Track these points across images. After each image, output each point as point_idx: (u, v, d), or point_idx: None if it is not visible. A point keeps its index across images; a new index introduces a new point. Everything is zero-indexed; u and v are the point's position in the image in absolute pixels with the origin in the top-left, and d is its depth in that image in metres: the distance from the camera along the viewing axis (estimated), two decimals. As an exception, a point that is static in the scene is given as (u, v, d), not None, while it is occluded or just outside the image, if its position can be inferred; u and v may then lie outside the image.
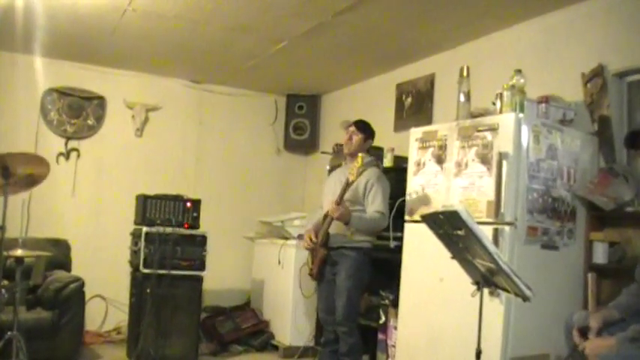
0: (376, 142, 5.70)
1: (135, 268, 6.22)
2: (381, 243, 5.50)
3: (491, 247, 2.51)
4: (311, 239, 5.30)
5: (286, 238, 6.98)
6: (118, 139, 7.77)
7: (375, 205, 5.15)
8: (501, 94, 4.41)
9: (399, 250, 5.11)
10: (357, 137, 5.39)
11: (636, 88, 4.79)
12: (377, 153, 6.01)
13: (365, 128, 5.45)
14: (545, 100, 4.56)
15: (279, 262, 6.93)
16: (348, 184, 5.05)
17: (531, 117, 4.33)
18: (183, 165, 8.09)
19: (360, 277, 5.21)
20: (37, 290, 5.92)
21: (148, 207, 6.23)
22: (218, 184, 8.21)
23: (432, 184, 4.76)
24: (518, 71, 4.43)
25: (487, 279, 2.67)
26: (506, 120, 4.23)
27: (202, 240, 6.28)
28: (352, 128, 5.43)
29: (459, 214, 2.48)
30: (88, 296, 6.30)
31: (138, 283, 6.10)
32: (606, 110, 4.65)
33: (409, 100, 6.79)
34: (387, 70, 7.22)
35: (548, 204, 4.30)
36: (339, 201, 5.06)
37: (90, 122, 7.61)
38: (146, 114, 7.89)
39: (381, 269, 5.53)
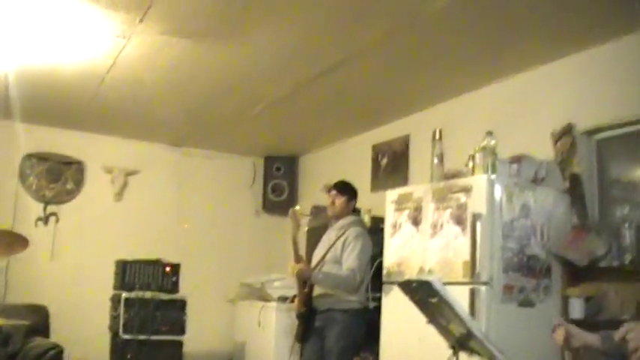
0: (354, 203, 5.76)
1: (115, 334, 6.20)
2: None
3: (464, 315, 2.56)
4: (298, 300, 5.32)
5: (267, 300, 6.97)
6: (97, 203, 7.78)
7: (347, 262, 5.11)
8: (473, 156, 4.50)
9: (377, 310, 5.12)
10: (340, 200, 5.40)
11: (605, 146, 4.89)
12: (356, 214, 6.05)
13: (346, 189, 5.46)
14: (517, 159, 4.66)
15: (259, 324, 6.91)
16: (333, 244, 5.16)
17: (504, 177, 4.41)
18: (163, 228, 8.05)
19: (352, 339, 5.13)
20: (15, 358, 5.86)
21: (127, 272, 6.25)
22: (198, 246, 8.16)
23: (409, 246, 4.79)
24: (490, 133, 4.52)
25: (462, 343, 2.72)
26: (479, 181, 4.31)
27: (182, 304, 6.29)
28: (333, 192, 5.44)
29: (431, 284, 2.53)
30: (67, 363, 6.24)
31: (118, 348, 6.08)
32: (576, 168, 4.74)
33: (385, 160, 6.88)
34: (363, 131, 7.32)
35: (524, 262, 4.34)
36: (298, 258, 5.13)
37: (69, 187, 7.63)
38: (125, 178, 7.92)
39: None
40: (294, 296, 5.48)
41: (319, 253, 5.37)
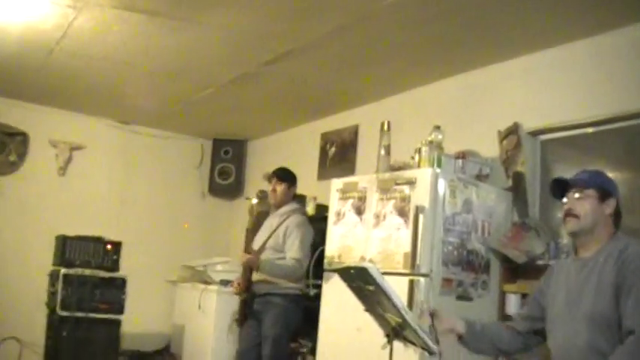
0: (300, 190, 5.78)
1: (52, 311, 6.11)
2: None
3: (399, 303, 2.58)
4: (239, 284, 5.33)
5: (208, 283, 6.95)
6: (40, 177, 7.63)
7: (291, 251, 5.19)
8: (420, 149, 4.55)
9: (318, 297, 5.15)
10: (280, 187, 5.46)
11: (549, 147, 5.00)
12: (299, 201, 6.07)
13: (286, 176, 5.53)
14: (462, 155, 4.71)
15: (200, 307, 6.88)
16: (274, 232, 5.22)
17: (448, 172, 4.47)
18: (107, 206, 7.95)
19: (286, 324, 5.21)
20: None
21: (67, 248, 6.17)
22: (141, 226, 8.09)
23: (351, 235, 4.82)
24: (437, 127, 4.59)
25: (397, 332, 2.74)
26: (424, 174, 4.35)
27: (122, 283, 6.23)
28: (274, 179, 5.51)
29: (368, 271, 2.55)
30: (1, 337, 6.15)
31: (54, 325, 6.00)
32: (520, 167, 4.81)
33: (333, 149, 6.91)
34: (313, 120, 7.35)
35: (463, 256, 4.42)
36: (247, 248, 5.16)
37: (12, 159, 7.47)
38: (70, 153, 7.79)
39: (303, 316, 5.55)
40: (235, 281, 5.47)
41: (260, 239, 5.39)
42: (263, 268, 5.14)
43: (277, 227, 5.30)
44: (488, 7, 4.38)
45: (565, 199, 3.01)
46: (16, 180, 7.50)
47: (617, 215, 2.97)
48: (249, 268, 5.19)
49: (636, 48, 4.36)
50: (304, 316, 5.39)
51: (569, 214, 2.96)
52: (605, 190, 2.95)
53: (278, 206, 5.48)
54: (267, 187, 5.62)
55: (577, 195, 2.96)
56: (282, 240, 5.26)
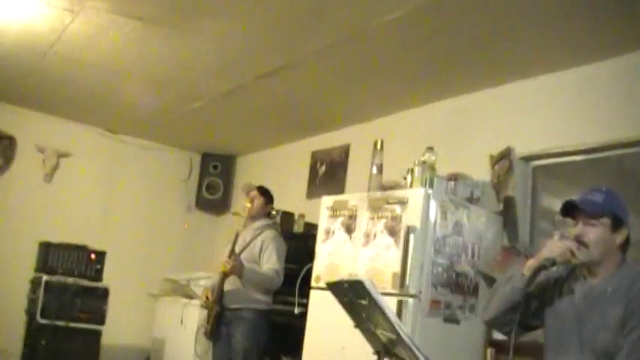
0: (288, 208, 5.78)
1: (31, 318, 6.03)
2: (285, 308, 5.52)
3: (394, 318, 2.55)
4: (207, 297, 5.33)
5: (191, 297, 6.87)
6: (26, 182, 7.54)
7: (270, 263, 5.24)
8: (412, 170, 4.53)
9: (303, 316, 5.11)
10: (259, 201, 5.53)
11: (541, 172, 5.01)
12: (288, 218, 6.07)
13: (266, 193, 5.61)
14: (454, 177, 4.70)
15: (182, 322, 6.80)
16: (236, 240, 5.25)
17: (440, 193, 4.45)
18: (92, 215, 7.87)
19: (256, 339, 5.22)
20: None
21: (50, 255, 6.11)
22: (126, 236, 8.00)
23: (340, 253, 4.79)
24: (430, 148, 4.57)
25: (388, 349, 2.70)
26: (416, 194, 4.33)
27: (104, 293, 6.18)
28: (254, 192, 5.57)
29: (363, 284, 2.52)
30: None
31: (33, 333, 5.93)
32: (511, 191, 4.82)
33: (323, 168, 6.90)
34: (304, 137, 7.33)
35: (452, 278, 4.38)
36: (231, 255, 5.11)
37: (-2, 163, 7.40)
38: (57, 159, 7.71)
39: (285, 334, 5.50)
40: (204, 294, 5.48)
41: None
42: (246, 274, 5.15)
43: (251, 241, 5.34)
44: (482, 31, 4.42)
45: (573, 222, 2.84)
46: (1, 184, 7.41)
47: (626, 241, 2.80)
48: (225, 277, 5.17)
49: (623, 78, 4.41)
50: (288, 333, 5.36)
51: (579, 241, 2.77)
52: (618, 219, 2.78)
53: (253, 219, 5.51)
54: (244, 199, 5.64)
55: (589, 221, 2.78)
56: (258, 253, 5.30)
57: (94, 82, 6.28)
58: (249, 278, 5.18)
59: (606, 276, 2.75)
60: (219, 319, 5.26)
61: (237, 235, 5.31)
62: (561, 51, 4.53)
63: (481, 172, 5.00)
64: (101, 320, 6.09)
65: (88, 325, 6.01)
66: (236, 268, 5.12)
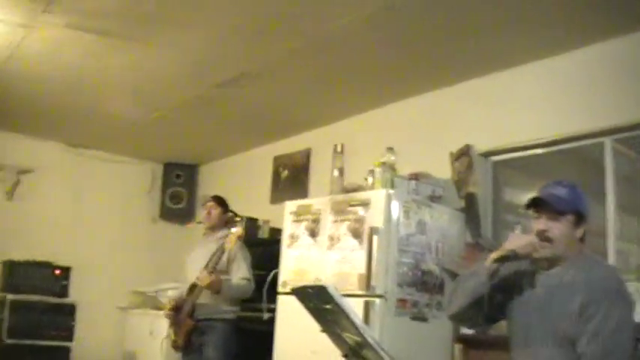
0: (252, 214, 5.77)
1: (-2, 338, 5.96)
2: (254, 315, 5.53)
3: (358, 322, 2.56)
4: (171, 308, 5.33)
5: (159, 309, 6.83)
6: (-15, 201, 7.44)
7: (240, 272, 5.25)
8: (373, 171, 4.57)
9: (272, 321, 5.11)
10: (216, 211, 5.56)
11: (501, 168, 5.08)
12: (252, 224, 6.06)
13: (222, 202, 5.64)
14: (416, 177, 4.74)
15: (151, 333, 6.77)
16: (222, 253, 5.16)
17: (402, 193, 4.48)
18: (57, 231, 7.70)
19: (228, 349, 5.22)
20: None
21: (14, 273, 6.05)
22: (92, 251, 7.84)
23: (306, 257, 4.80)
24: (390, 149, 4.61)
25: (356, 352, 2.72)
26: (378, 196, 4.36)
27: (71, 309, 6.13)
28: (211, 203, 5.60)
29: (327, 289, 2.53)
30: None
31: (1, 354, 5.83)
32: (473, 188, 4.88)
33: (285, 172, 6.91)
34: (265, 143, 7.33)
35: (418, 277, 4.42)
36: (212, 270, 5.09)
37: (-44, 182, 7.29)
38: (18, 176, 7.60)
39: (254, 341, 5.49)
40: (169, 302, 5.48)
41: (199, 262, 5.34)
42: (224, 289, 5.14)
43: (217, 251, 5.27)
44: (440, 31, 4.47)
45: (537, 215, 2.82)
46: (-40, 205, 7.31)
47: (584, 233, 2.83)
48: (199, 291, 5.15)
49: (583, 71, 4.48)
50: (257, 340, 5.36)
51: (542, 237, 2.77)
52: (581, 215, 2.81)
53: (213, 229, 5.53)
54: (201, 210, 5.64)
55: (553, 216, 2.78)
56: (227, 263, 5.27)
57: (53, 96, 6.20)
58: (227, 292, 5.18)
59: (565, 267, 2.79)
60: (192, 333, 5.23)
61: (216, 252, 5.24)
62: (517, 46, 4.59)
63: (443, 171, 5.05)
64: (69, 337, 6.05)
65: (56, 343, 5.97)
66: (215, 284, 5.09)
